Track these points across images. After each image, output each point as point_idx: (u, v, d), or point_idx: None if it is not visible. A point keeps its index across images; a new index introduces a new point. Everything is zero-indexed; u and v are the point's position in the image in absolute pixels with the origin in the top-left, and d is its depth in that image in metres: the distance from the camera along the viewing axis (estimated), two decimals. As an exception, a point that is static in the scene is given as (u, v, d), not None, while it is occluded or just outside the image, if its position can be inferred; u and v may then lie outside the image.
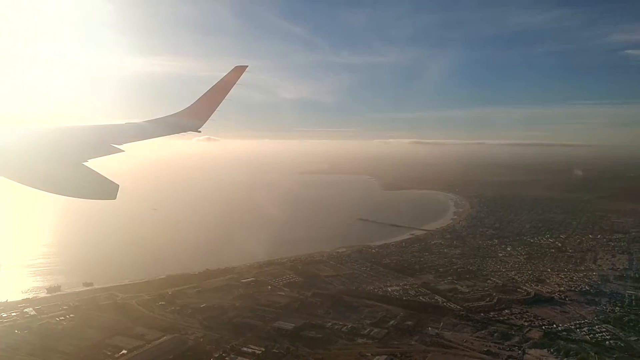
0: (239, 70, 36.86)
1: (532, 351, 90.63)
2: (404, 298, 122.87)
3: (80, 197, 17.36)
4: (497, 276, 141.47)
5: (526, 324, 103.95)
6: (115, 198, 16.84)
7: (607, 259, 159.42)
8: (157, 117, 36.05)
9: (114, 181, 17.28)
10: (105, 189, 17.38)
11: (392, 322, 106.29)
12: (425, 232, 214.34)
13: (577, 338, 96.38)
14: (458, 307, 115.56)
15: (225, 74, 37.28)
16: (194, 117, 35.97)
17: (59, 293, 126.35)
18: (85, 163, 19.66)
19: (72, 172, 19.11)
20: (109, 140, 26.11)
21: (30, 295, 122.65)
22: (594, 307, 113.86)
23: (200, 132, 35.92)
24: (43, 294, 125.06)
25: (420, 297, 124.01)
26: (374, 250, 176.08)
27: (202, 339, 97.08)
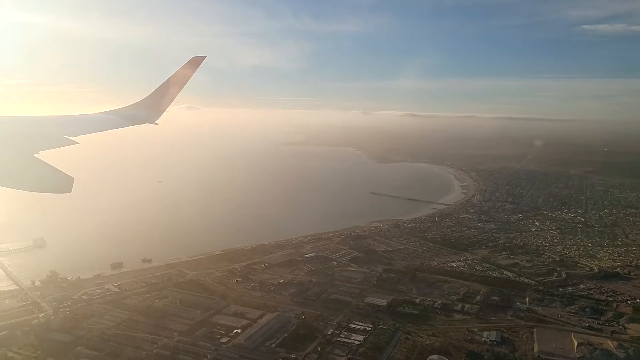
0: (196, 62, 35.65)
1: (632, 325, 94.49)
2: (476, 274, 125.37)
3: (32, 190, 16.64)
4: (548, 251, 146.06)
5: (610, 298, 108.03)
6: (70, 191, 16.10)
7: (636, 234, 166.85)
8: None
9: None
10: (59, 182, 16.74)
11: (478, 297, 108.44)
12: (445, 206, 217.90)
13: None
14: (533, 282, 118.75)
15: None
16: (150, 109, 35.42)
17: (123, 270, 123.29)
18: (36, 155, 18.78)
19: (21, 164, 18.21)
20: (61, 131, 25.32)
21: (100, 272, 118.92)
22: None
23: (157, 124, 35.05)
24: (109, 271, 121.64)
25: (489, 272, 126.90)
26: (410, 225, 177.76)
27: (303, 316, 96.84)
